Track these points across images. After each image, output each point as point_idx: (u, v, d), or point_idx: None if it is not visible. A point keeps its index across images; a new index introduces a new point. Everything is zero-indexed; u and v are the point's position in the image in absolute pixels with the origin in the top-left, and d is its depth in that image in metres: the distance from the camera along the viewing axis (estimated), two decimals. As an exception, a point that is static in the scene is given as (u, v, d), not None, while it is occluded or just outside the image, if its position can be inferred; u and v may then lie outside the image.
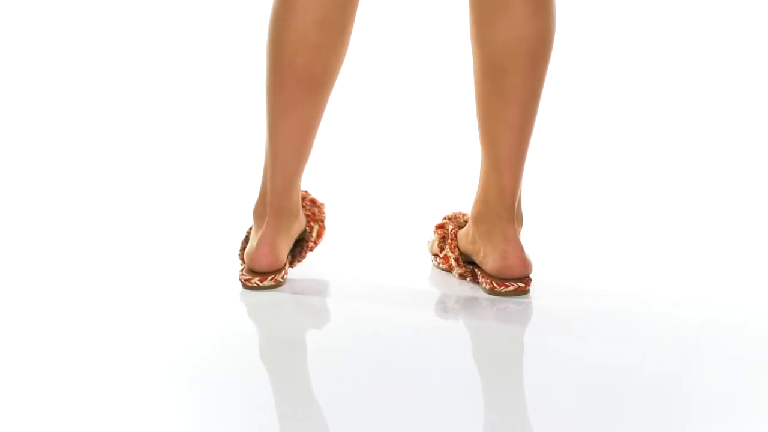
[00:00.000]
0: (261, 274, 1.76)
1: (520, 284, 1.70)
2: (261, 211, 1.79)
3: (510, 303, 1.67)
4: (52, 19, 3.43)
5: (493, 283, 1.70)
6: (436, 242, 1.85)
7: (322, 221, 1.87)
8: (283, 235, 1.76)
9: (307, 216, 1.86)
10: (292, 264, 1.82)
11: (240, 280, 1.76)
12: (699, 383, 1.36)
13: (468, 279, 1.78)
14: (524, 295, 1.70)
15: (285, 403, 1.35)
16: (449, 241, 1.81)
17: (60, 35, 3.42)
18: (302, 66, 1.69)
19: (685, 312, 1.64)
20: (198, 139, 3.08)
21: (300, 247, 1.85)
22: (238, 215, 1.97)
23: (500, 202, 1.72)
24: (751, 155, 2.81)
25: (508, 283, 1.70)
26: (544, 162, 2.84)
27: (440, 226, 1.85)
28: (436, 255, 1.87)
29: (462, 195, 1.96)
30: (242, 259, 1.80)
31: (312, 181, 1.86)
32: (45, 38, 3.41)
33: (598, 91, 3.26)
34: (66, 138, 3.10)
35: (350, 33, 1.70)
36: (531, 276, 1.72)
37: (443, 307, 1.71)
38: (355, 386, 1.37)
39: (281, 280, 1.76)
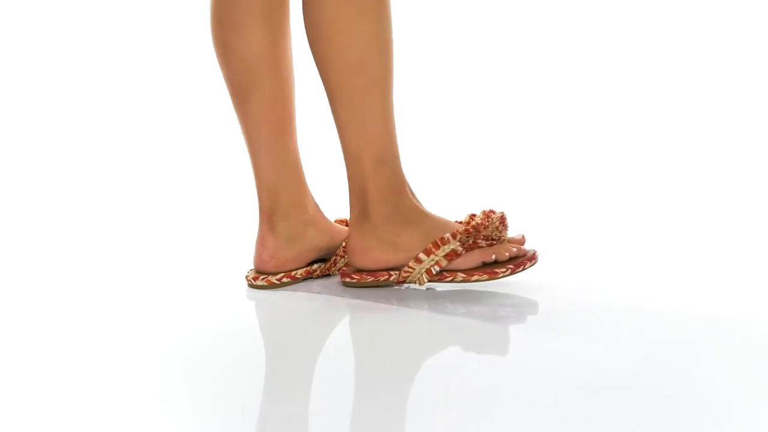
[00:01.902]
0: (258, 272, 1.78)
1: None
2: None
3: (509, 303, 1.69)
4: (58, 21, 3.43)
5: None
6: None
7: None
8: (282, 238, 1.77)
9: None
10: (313, 273, 1.81)
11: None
12: (701, 383, 1.35)
13: None
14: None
15: (280, 405, 1.35)
16: None
17: (71, 39, 3.43)
18: (220, 66, 1.76)
19: (687, 311, 1.64)
20: (209, 137, 3.09)
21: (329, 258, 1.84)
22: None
23: None
24: (751, 155, 2.81)
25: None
26: (544, 162, 2.84)
27: None
28: None
29: (468, 196, 1.96)
30: None
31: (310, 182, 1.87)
32: (54, 41, 3.42)
33: (601, 93, 3.26)
34: (77, 140, 3.11)
35: (261, 33, 1.72)
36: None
37: (443, 308, 1.71)
38: (352, 386, 1.38)
39: (275, 281, 1.77)
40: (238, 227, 2.19)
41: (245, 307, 1.74)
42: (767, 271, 1.88)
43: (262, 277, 1.77)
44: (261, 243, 1.77)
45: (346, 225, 1.89)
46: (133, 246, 2.15)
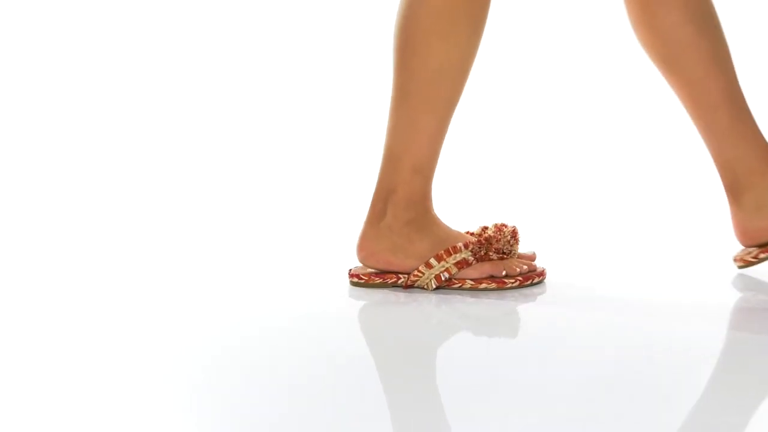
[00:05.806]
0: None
1: None
2: None
3: (508, 303, 1.69)
4: (56, 20, 3.43)
5: None
6: None
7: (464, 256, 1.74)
8: (385, 233, 1.75)
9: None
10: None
11: None
12: (701, 383, 1.36)
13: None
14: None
15: (278, 404, 1.36)
16: None
17: (72, 39, 3.42)
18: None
19: (687, 311, 1.64)
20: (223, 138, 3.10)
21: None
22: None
23: None
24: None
25: None
26: (544, 164, 2.85)
27: None
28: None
29: (479, 209, 1.96)
30: None
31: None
32: (53, 40, 3.41)
33: (606, 94, 3.26)
34: (90, 140, 3.11)
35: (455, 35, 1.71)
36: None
37: (441, 309, 1.71)
38: (352, 385, 1.38)
39: (363, 278, 1.76)
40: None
41: (248, 308, 1.74)
42: (767, 272, 1.88)
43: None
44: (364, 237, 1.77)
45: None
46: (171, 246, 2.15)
